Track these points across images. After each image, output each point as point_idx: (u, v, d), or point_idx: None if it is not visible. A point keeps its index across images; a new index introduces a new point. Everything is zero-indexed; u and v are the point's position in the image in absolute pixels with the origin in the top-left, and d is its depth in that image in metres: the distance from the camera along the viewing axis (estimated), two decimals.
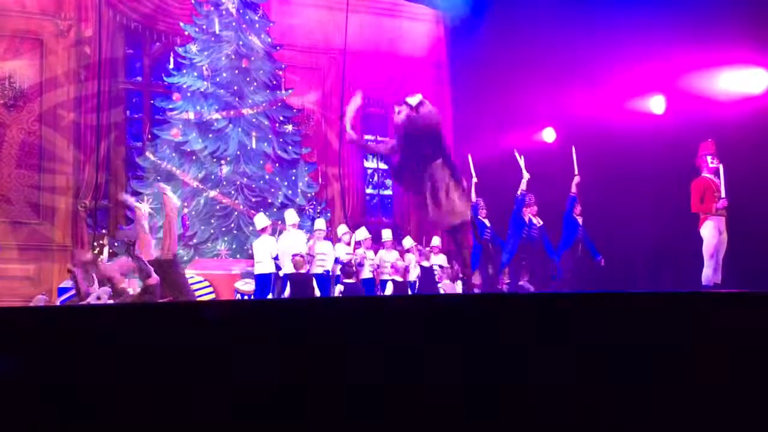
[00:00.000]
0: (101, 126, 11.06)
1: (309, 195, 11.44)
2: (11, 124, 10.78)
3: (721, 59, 8.22)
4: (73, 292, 7.49)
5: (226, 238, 10.47)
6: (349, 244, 9.86)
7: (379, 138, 12.22)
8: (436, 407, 2.39)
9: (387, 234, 10.31)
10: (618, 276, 9.01)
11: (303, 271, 8.52)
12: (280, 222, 9.79)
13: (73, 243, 10.76)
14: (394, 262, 9.81)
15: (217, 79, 10.91)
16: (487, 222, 9.21)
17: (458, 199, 5.77)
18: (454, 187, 5.78)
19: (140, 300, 5.86)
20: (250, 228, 10.32)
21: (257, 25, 11.40)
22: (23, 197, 10.73)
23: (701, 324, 2.52)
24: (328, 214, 11.45)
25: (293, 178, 11.26)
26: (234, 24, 11.07)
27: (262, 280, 9.03)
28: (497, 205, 9.36)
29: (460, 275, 10.26)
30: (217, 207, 10.54)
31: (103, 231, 10.84)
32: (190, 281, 8.24)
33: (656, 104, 9.59)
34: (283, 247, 9.09)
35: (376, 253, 10.10)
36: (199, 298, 8.35)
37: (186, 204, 10.40)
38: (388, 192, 13.89)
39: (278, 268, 9.06)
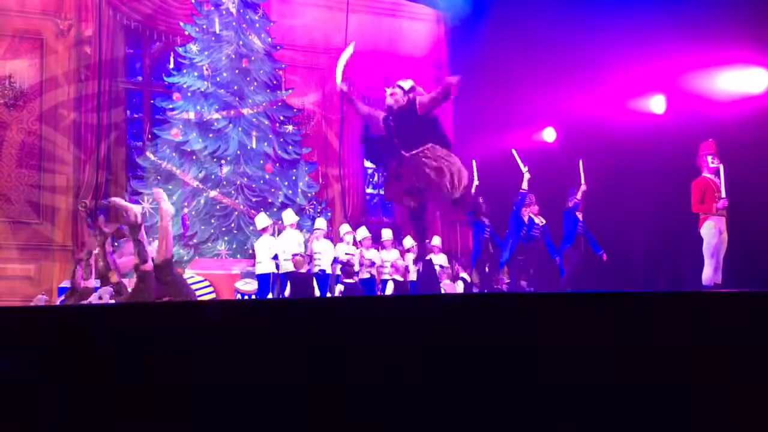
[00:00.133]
0: (101, 126, 11.06)
1: (309, 195, 11.44)
2: (11, 123, 10.78)
3: (721, 59, 8.21)
4: None
5: (226, 238, 10.47)
6: (353, 243, 9.88)
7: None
8: (436, 407, 2.39)
9: (387, 234, 10.32)
10: (618, 276, 9.02)
11: (303, 270, 8.52)
12: (280, 222, 9.80)
13: (74, 243, 10.75)
14: (394, 262, 9.82)
15: (218, 79, 10.91)
16: (486, 221, 9.22)
17: (458, 172, 5.79)
18: (453, 162, 5.82)
19: (137, 289, 5.89)
20: (250, 228, 10.32)
21: (257, 25, 11.40)
22: (23, 197, 10.72)
23: (701, 324, 2.52)
24: (329, 214, 11.45)
25: (293, 178, 11.26)
26: (234, 24, 11.08)
27: (264, 280, 9.05)
28: (497, 205, 9.36)
29: (460, 275, 10.29)
30: (218, 207, 10.54)
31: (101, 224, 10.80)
32: (190, 281, 8.24)
33: (656, 104, 9.59)
34: (279, 246, 9.11)
35: (378, 251, 10.11)
36: (199, 298, 8.35)
37: (186, 204, 10.41)
38: None
39: (278, 267, 9.07)
